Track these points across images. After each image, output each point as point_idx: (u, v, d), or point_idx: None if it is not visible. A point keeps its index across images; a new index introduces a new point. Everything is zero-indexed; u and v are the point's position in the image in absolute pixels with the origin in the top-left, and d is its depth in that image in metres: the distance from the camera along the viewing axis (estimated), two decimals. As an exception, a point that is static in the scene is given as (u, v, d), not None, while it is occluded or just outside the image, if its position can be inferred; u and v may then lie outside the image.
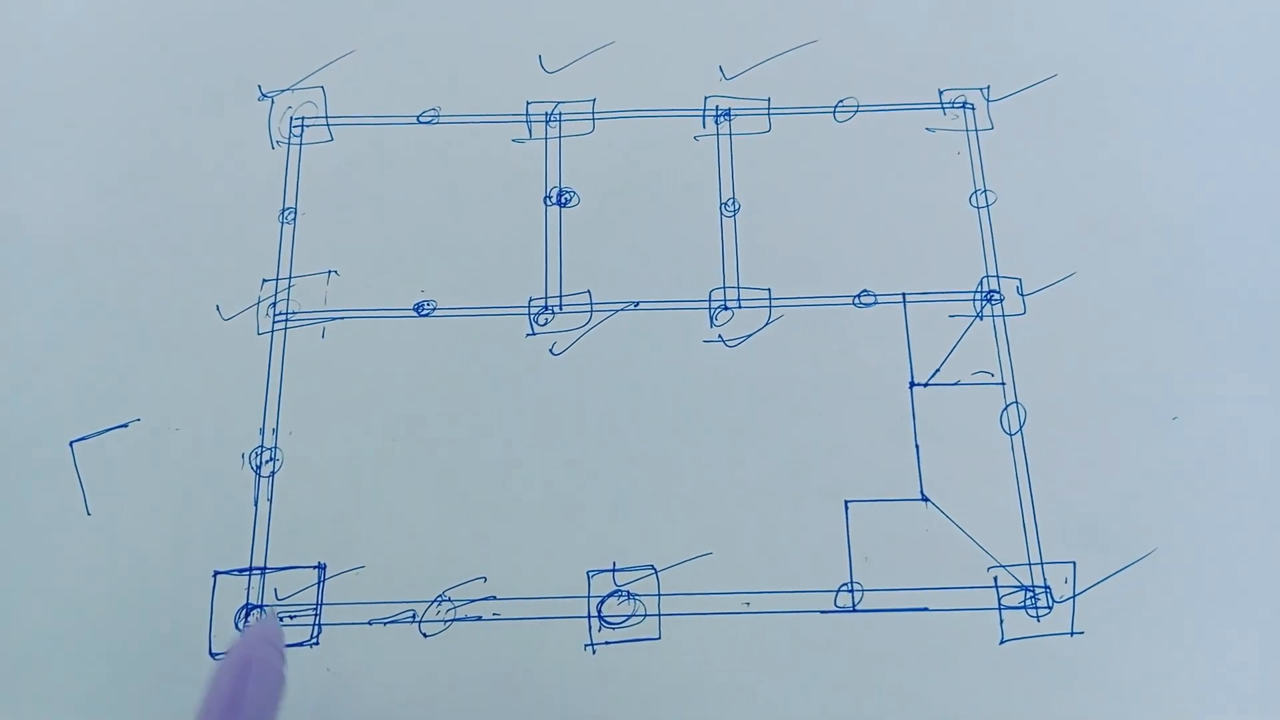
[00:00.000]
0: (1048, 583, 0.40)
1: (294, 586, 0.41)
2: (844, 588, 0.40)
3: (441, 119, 0.48)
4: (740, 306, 0.44)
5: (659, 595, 0.40)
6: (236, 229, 0.46)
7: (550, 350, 0.44)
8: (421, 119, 0.48)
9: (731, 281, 0.45)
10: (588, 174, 0.47)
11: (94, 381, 0.43)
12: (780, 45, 0.49)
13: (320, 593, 0.40)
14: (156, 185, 0.46)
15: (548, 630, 0.40)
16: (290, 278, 0.45)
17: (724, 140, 0.47)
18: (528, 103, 0.48)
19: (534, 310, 0.44)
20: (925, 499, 0.41)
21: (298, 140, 0.47)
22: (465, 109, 0.48)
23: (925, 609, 0.40)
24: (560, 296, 0.45)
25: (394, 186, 0.47)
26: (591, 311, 0.44)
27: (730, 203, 0.46)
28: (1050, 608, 0.40)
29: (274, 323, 0.44)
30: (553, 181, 0.47)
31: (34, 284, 0.45)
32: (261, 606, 0.40)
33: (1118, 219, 0.46)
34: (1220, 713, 0.39)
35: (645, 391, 0.43)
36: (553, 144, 0.47)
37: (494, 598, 0.40)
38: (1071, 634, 0.40)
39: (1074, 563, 0.40)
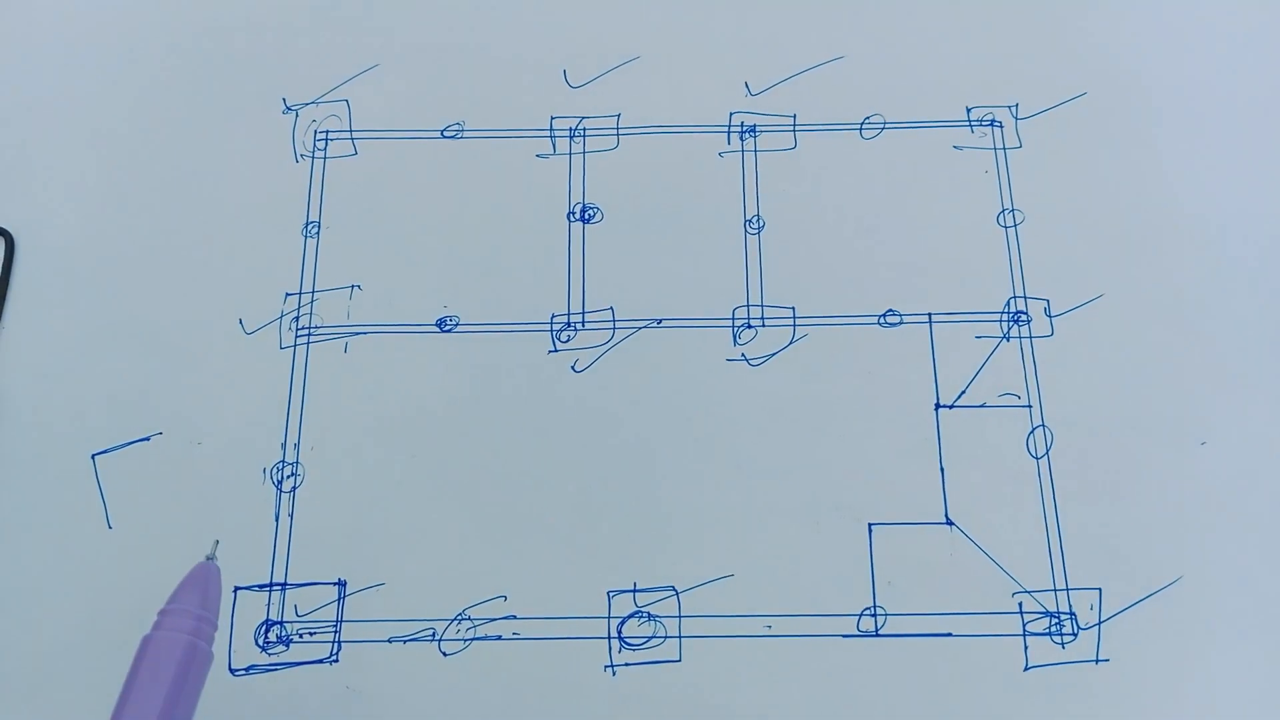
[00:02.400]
0: (1073, 609, 0.40)
1: (314, 603, 0.40)
2: (867, 612, 0.40)
3: (465, 133, 0.48)
4: (764, 325, 0.44)
5: (680, 617, 0.40)
6: (260, 242, 0.46)
7: (572, 367, 0.44)
8: (446, 133, 0.48)
9: (755, 299, 0.45)
10: (611, 189, 0.47)
11: (116, 395, 0.43)
12: (806, 61, 0.49)
13: (340, 609, 0.40)
14: (180, 198, 0.47)
15: (568, 651, 0.40)
16: (313, 292, 0.45)
17: (749, 157, 0.47)
18: (552, 117, 0.48)
19: (556, 326, 0.44)
20: (950, 523, 0.41)
21: (321, 154, 0.47)
22: (489, 123, 0.48)
23: (949, 634, 0.40)
24: (583, 313, 0.44)
25: (417, 201, 0.47)
26: (614, 328, 0.44)
27: (755, 220, 0.46)
28: (1075, 634, 0.40)
29: (296, 337, 0.44)
30: (576, 197, 0.46)
31: (56, 296, 0.45)
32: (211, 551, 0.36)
33: (1147, 240, 0.45)
34: (1248, 743, 0.38)
35: (667, 410, 0.43)
36: (576, 159, 0.47)
37: (514, 617, 0.40)
38: (1097, 661, 0.39)
39: (1100, 589, 0.40)
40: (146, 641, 0.32)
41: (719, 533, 0.41)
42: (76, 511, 0.42)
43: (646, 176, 0.47)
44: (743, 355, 0.44)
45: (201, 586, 0.34)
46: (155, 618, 0.33)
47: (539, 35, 0.49)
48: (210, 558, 0.35)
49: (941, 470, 0.42)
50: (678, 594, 0.40)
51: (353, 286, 0.45)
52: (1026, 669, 0.39)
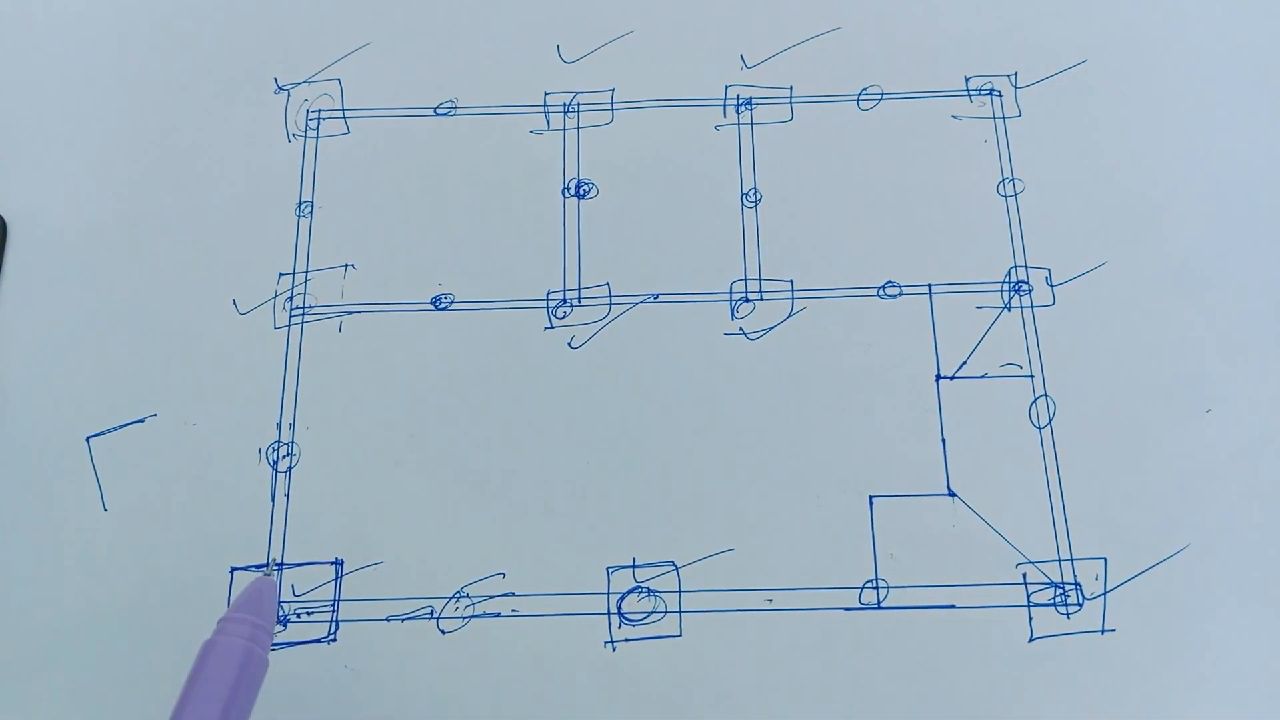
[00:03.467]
0: (1078, 579, 0.39)
1: (311, 582, 0.40)
2: (869, 584, 0.40)
3: (459, 110, 0.47)
4: (762, 298, 0.44)
5: (680, 592, 0.40)
6: (253, 223, 0.45)
7: (569, 344, 0.43)
8: (438, 111, 0.47)
9: (753, 273, 0.44)
10: (607, 165, 0.46)
11: (110, 377, 0.43)
12: (802, 33, 0.48)
13: (337, 589, 0.40)
14: (172, 179, 0.46)
15: (567, 627, 0.39)
16: (307, 271, 0.45)
17: (745, 130, 0.47)
18: (546, 93, 0.47)
19: (552, 303, 0.44)
20: (952, 494, 0.41)
21: (314, 133, 0.47)
22: (483, 100, 0.47)
23: (952, 606, 0.39)
24: (579, 289, 0.44)
25: (411, 179, 0.46)
26: (610, 304, 0.44)
27: (752, 193, 0.45)
28: (1080, 605, 0.39)
29: (291, 317, 0.44)
30: (571, 173, 0.46)
31: (50, 279, 0.45)
32: (267, 566, 0.40)
33: (1149, 208, 0.44)
34: (1255, 714, 0.38)
35: (665, 385, 0.43)
36: (571, 135, 0.47)
37: (513, 594, 0.40)
38: (1102, 632, 0.39)
39: (1105, 559, 0.40)
40: (208, 646, 0.34)
41: (718, 507, 0.41)
42: (72, 494, 0.41)
43: (642, 151, 0.46)
44: (741, 329, 0.43)
45: (258, 597, 0.35)
46: (215, 625, 0.34)
47: (532, 10, 0.49)
48: (267, 573, 0.37)
49: (943, 442, 0.41)
50: (677, 569, 0.40)
51: (346, 265, 0.45)
52: (1031, 640, 0.39)
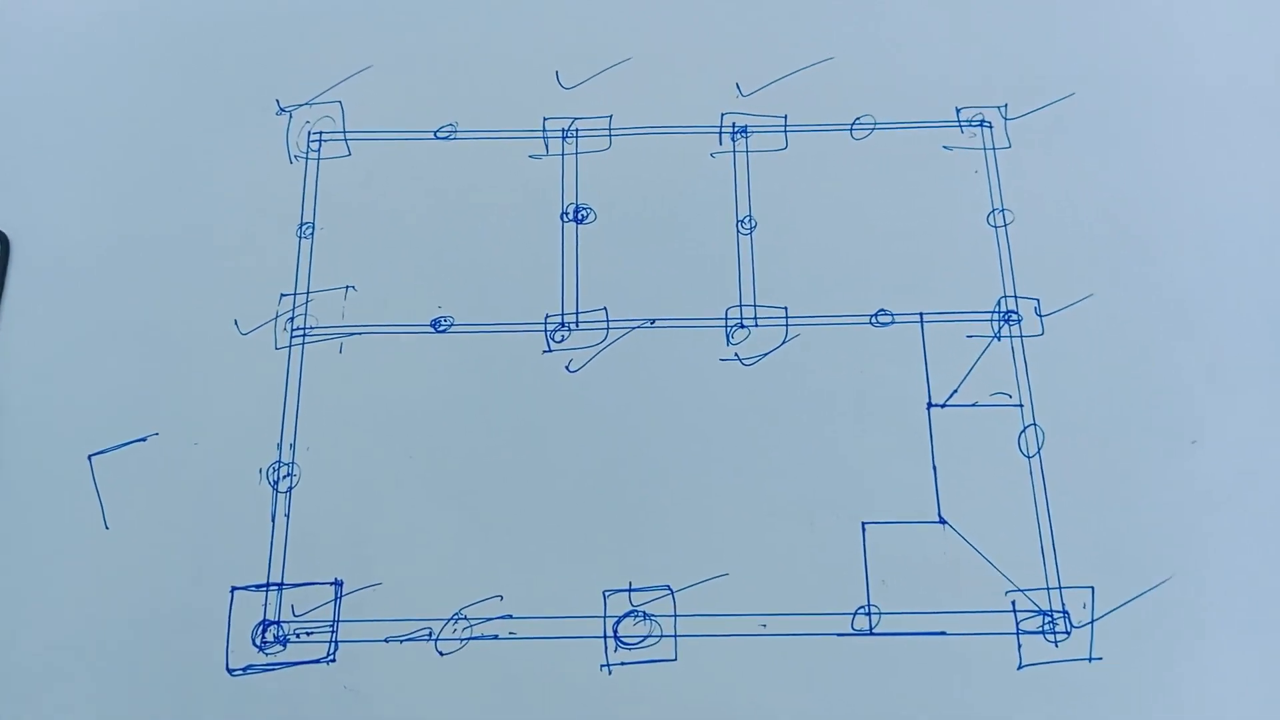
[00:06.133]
0: (1066, 607, 0.40)
1: (311, 603, 0.41)
2: (861, 610, 0.40)
3: (459, 134, 0.48)
4: (756, 325, 0.44)
5: (675, 616, 0.40)
6: (254, 244, 0.46)
7: (566, 367, 0.44)
8: (439, 134, 0.48)
9: (748, 300, 0.45)
10: (604, 190, 0.47)
11: (112, 396, 0.43)
12: (797, 62, 0.49)
13: (337, 609, 0.40)
14: (174, 199, 0.47)
15: (563, 650, 0.40)
16: (308, 293, 0.45)
17: (741, 157, 0.47)
18: (545, 119, 0.48)
19: (550, 327, 0.44)
20: (943, 521, 0.41)
21: (315, 155, 0.47)
22: (482, 125, 0.48)
23: (943, 633, 0.40)
24: (576, 313, 0.45)
25: (411, 202, 0.47)
26: (608, 328, 0.44)
27: (747, 220, 0.46)
28: (1069, 633, 0.40)
29: (292, 338, 0.44)
30: (569, 198, 0.47)
31: (52, 298, 0.45)
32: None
33: (1136, 239, 0.45)
34: (1238, 738, 0.39)
35: (661, 410, 0.43)
36: (569, 160, 0.47)
37: (510, 616, 0.40)
38: (1090, 659, 0.40)
39: (1093, 587, 0.40)
40: None
41: (713, 532, 0.41)
42: (74, 512, 0.42)
43: (639, 177, 0.47)
44: (736, 355, 0.44)
45: None
46: None
47: (531, 37, 0.49)
48: None
49: (934, 469, 0.42)
50: (673, 593, 0.41)
51: (347, 287, 0.45)
52: (1020, 667, 0.39)
